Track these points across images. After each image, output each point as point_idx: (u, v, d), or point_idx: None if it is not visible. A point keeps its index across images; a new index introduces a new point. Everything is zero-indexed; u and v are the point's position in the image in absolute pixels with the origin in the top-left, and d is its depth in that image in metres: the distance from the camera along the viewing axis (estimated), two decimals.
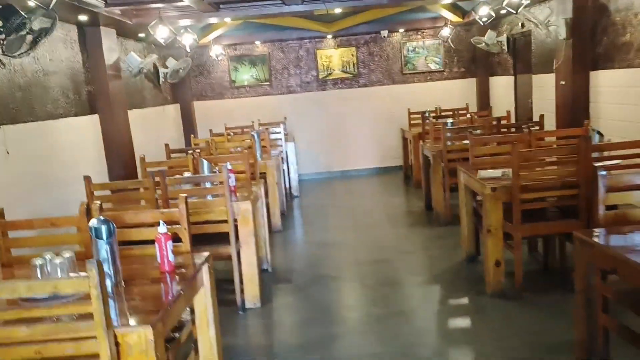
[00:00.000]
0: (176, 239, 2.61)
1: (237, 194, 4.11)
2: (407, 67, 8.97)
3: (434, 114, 8.15)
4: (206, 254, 2.59)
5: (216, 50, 8.14)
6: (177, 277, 2.35)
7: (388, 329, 3.42)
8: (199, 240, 3.87)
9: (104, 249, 2.21)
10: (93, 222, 2.25)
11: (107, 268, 2.21)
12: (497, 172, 3.98)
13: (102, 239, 2.23)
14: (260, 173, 5.82)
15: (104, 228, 2.25)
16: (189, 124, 8.85)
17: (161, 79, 7.66)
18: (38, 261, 2.20)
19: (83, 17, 4.84)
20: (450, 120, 5.83)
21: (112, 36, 5.62)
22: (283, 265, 4.86)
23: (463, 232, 4.50)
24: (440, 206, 5.65)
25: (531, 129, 4.70)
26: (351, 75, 8.98)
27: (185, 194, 2.63)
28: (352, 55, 8.93)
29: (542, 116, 5.47)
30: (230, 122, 8.66)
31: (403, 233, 5.52)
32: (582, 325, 2.52)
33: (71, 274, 2.23)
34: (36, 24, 3.77)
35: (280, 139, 7.50)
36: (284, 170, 7.60)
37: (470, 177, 4.06)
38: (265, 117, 8.87)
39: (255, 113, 8.93)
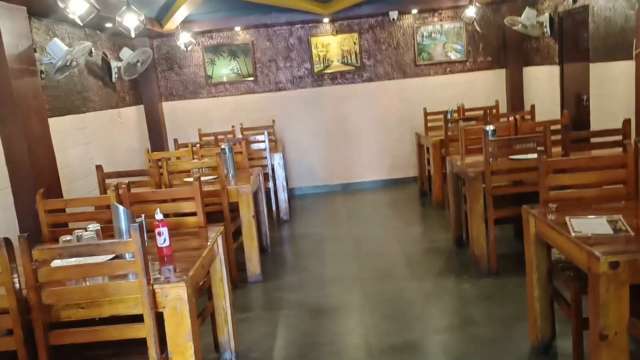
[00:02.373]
0: None
1: (176, 264, 2.51)
2: (421, 57, 7.34)
3: (456, 115, 6.58)
4: None
5: (184, 38, 6.51)
6: None
7: None
8: (98, 349, 2.29)
9: None
10: None
11: None
12: (600, 223, 2.39)
13: None
14: (232, 203, 4.24)
15: None
16: (156, 131, 7.24)
17: (114, 76, 6.06)
18: None
19: None
20: (491, 127, 4.23)
21: (18, 15, 4.01)
22: (256, 352, 3.26)
23: (533, 307, 2.89)
24: (480, 248, 4.04)
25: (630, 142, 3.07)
26: (353, 68, 7.36)
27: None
28: (354, 43, 7.30)
29: (627, 122, 3.86)
30: (206, 127, 7.10)
31: (431, 289, 3.91)
32: None
33: None
34: None
35: (265, 149, 5.90)
36: (269, 189, 6.01)
37: (557, 233, 2.44)
38: (249, 119, 7.30)
39: (237, 115, 7.35)
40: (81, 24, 3.61)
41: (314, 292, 4.07)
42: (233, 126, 6.94)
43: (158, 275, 2.32)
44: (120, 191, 3.13)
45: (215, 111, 7.39)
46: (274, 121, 7.18)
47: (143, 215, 2.67)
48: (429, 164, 6.68)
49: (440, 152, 5.97)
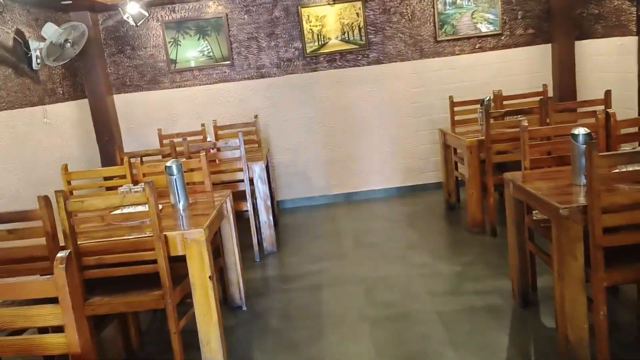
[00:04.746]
0: None
1: None
2: (443, 31, 5.74)
3: (492, 104, 5.02)
4: None
5: (132, 10, 4.87)
6: None
7: None
8: None
9: None
10: None
11: None
12: None
13: None
14: (175, 257, 2.69)
15: None
16: (105, 133, 5.65)
17: (35, 61, 4.47)
18: None
19: None
20: (583, 130, 2.67)
21: None
22: None
23: None
24: (580, 332, 2.47)
25: None
26: (356, 47, 5.75)
27: None
28: (357, 14, 5.69)
29: None
30: (170, 127, 5.57)
31: None
32: None
33: None
34: None
35: (240, 158, 4.33)
36: (247, 211, 4.45)
37: None
38: (226, 115, 5.74)
39: (210, 110, 5.78)
40: None
41: None
42: (203, 125, 5.37)
43: None
44: None
45: (181, 105, 5.79)
46: (256, 116, 5.60)
47: None
48: (456, 168, 5.15)
49: (478, 156, 4.42)
